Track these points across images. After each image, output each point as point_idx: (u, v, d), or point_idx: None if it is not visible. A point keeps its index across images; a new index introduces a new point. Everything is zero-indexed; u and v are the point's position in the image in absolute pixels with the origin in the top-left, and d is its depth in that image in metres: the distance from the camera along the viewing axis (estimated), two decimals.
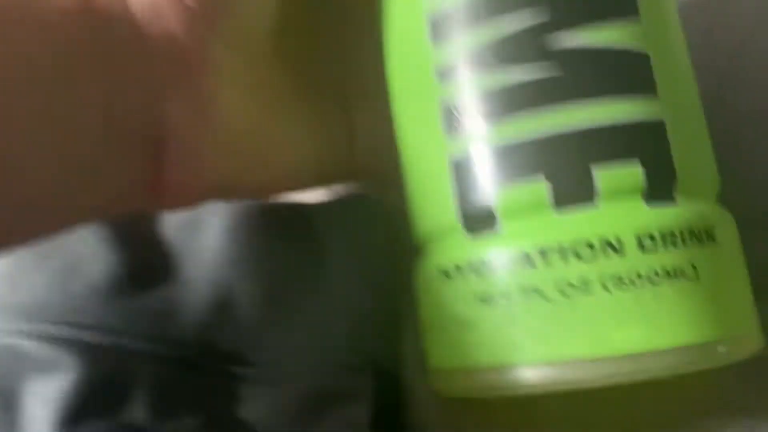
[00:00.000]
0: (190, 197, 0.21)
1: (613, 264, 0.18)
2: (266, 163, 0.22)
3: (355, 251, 0.25)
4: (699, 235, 0.19)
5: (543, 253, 0.18)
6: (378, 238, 0.25)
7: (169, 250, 0.23)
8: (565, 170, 0.19)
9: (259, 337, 0.23)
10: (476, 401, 0.23)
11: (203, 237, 0.23)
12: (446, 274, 0.20)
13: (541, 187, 0.19)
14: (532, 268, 0.18)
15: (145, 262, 0.23)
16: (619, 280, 0.18)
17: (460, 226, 0.20)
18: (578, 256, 0.18)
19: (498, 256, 0.19)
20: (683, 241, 0.18)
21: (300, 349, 0.23)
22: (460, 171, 0.20)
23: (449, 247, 0.21)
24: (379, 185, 0.26)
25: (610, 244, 0.18)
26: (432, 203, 0.21)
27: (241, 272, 0.23)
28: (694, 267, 0.18)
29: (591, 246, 0.18)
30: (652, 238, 0.18)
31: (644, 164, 0.19)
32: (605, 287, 0.18)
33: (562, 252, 0.18)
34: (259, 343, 0.23)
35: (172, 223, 0.24)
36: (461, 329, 0.20)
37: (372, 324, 0.24)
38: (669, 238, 0.18)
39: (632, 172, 0.19)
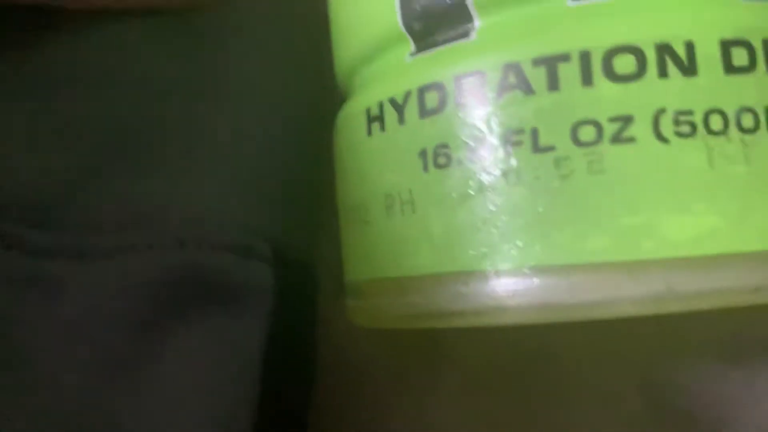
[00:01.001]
0: None
1: (676, 91, 0.10)
2: None
3: (258, 73, 0.15)
4: None
5: (549, 69, 0.10)
6: (296, 59, 0.16)
7: None
8: None
9: (89, 190, 0.14)
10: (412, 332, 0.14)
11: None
12: (374, 119, 0.12)
13: None
14: (526, 97, 0.10)
15: None
16: (687, 122, 0.10)
17: (405, 35, 0.11)
18: (612, 74, 0.10)
19: (466, 78, 0.10)
20: None
21: (160, 212, 0.14)
22: None
23: (384, 72, 0.12)
24: None
25: (674, 57, 0.10)
26: (355, 4, 0.12)
27: (76, 86, 0.14)
28: None
29: (638, 57, 0.10)
30: (747, 47, 0.10)
31: None
32: (658, 134, 0.10)
33: (585, 67, 0.10)
34: (89, 198, 0.14)
35: None
36: (398, 216, 0.11)
37: (282, 185, 0.15)
38: None
39: None
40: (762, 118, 0.10)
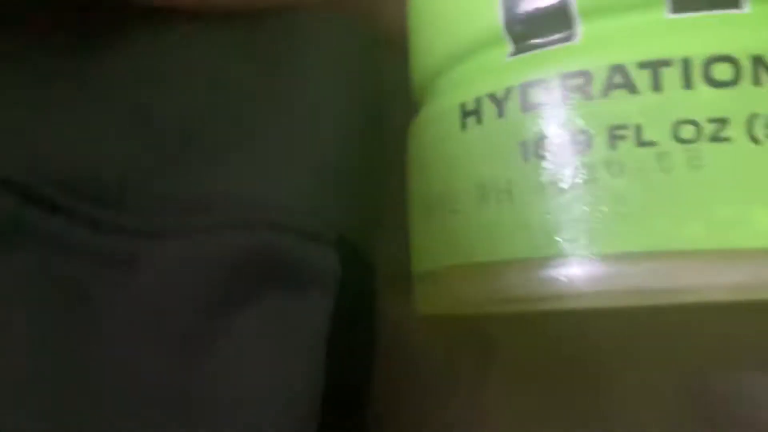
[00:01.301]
0: None
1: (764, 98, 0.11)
2: None
3: (333, 76, 0.16)
4: None
5: (653, 72, 0.11)
6: (363, 66, 0.17)
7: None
8: None
9: (163, 174, 0.15)
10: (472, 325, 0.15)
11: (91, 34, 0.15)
12: (470, 113, 0.12)
13: None
14: (630, 96, 0.11)
15: None
16: None
17: (505, 37, 0.12)
18: (711, 80, 0.11)
19: (572, 76, 0.11)
20: None
21: (232, 196, 0.15)
22: None
23: (480, 71, 0.13)
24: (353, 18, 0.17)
25: (765, 66, 0.11)
26: (450, 3, 0.13)
27: (152, 82, 0.15)
28: None
29: (735, 66, 0.11)
30: None
31: None
32: (752, 135, 0.11)
33: (686, 72, 0.11)
34: (164, 182, 0.15)
35: None
36: (492, 204, 0.12)
37: (345, 176, 0.15)
38: None
39: None
40: None
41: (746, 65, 0.11)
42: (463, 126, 0.12)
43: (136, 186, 0.14)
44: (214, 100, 0.16)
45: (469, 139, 0.12)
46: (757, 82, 0.11)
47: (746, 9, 0.11)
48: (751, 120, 0.11)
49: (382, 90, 0.17)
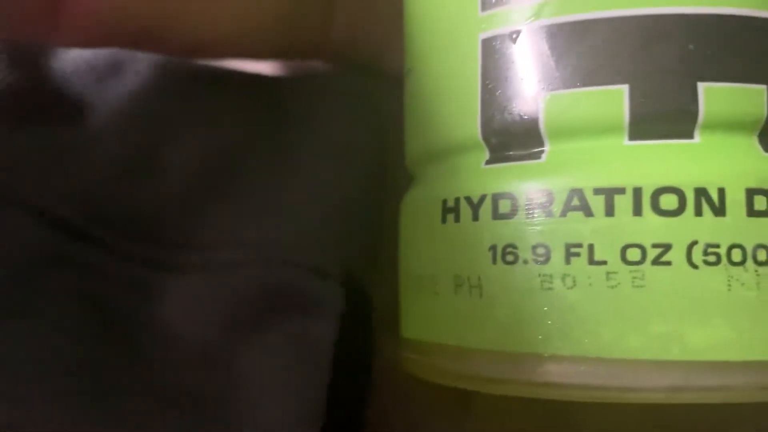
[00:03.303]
0: (94, 35, 0.14)
1: (707, 227, 0.12)
2: (209, 10, 0.16)
3: (334, 134, 0.18)
4: None
5: (607, 198, 0.12)
6: (363, 126, 0.18)
7: (69, 92, 0.17)
8: (656, 78, 0.12)
9: (189, 214, 0.17)
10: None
11: (120, 84, 0.17)
12: (450, 210, 0.14)
13: (614, 99, 0.12)
14: (586, 218, 0.12)
15: (35, 92, 0.16)
16: (714, 253, 0.12)
17: (482, 145, 0.14)
18: (658, 209, 0.12)
19: (536, 194, 0.13)
20: None
21: (250, 235, 0.17)
22: (495, 58, 0.13)
23: (460, 172, 0.14)
24: (357, 74, 0.19)
25: (708, 199, 0.12)
26: (442, 106, 0.14)
27: (171, 132, 0.17)
28: None
29: (680, 197, 0.12)
30: (764, 194, 0.12)
31: None
32: (690, 261, 0.12)
33: (636, 200, 0.12)
34: (190, 220, 0.17)
35: (76, 61, 0.17)
36: (465, 295, 0.13)
37: (348, 222, 0.17)
38: None
39: (752, 97, 0.12)
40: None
41: (690, 196, 0.12)
42: (444, 220, 0.14)
43: (163, 224, 0.16)
44: (232, 147, 0.17)
45: (448, 233, 0.14)
46: (698, 212, 0.12)
47: (697, 139, 0.12)
48: (690, 247, 0.12)
49: (386, 136, 0.18)
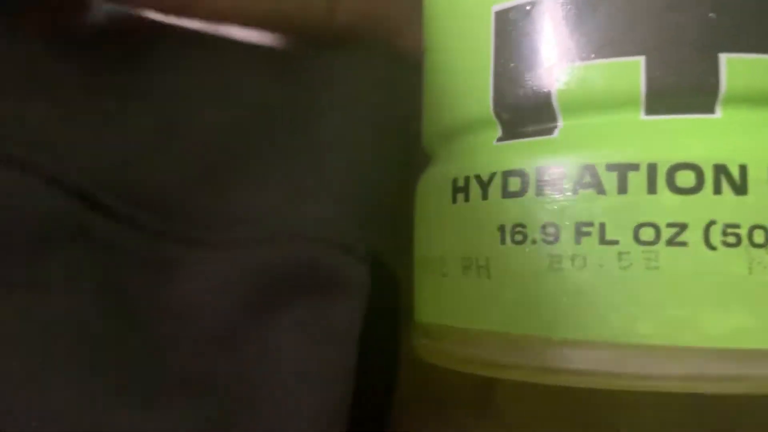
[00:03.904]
0: None
1: (727, 206, 0.11)
2: None
3: (360, 111, 0.18)
4: None
5: (620, 175, 0.12)
6: (389, 104, 0.18)
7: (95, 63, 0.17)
8: (674, 49, 0.12)
9: (212, 189, 0.16)
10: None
11: (145, 58, 0.17)
12: (460, 189, 0.13)
13: (630, 71, 0.12)
14: (597, 196, 0.12)
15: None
16: (734, 234, 0.11)
17: (494, 121, 0.13)
18: (674, 186, 0.11)
19: (547, 171, 0.12)
20: None
21: (274, 211, 0.16)
22: (508, 31, 0.13)
23: (472, 150, 0.14)
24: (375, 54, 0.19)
25: (728, 177, 0.11)
26: (455, 82, 0.14)
27: (191, 106, 0.17)
28: None
29: (698, 173, 0.11)
30: None
31: None
32: (708, 242, 0.11)
33: (651, 177, 0.12)
34: (213, 196, 0.16)
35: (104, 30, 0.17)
36: (473, 277, 0.13)
37: (374, 202, 0.17)
38: None
39: None
40: None
41: (709, 173, 0.11)
42: (454, 200, 0.14)
43: (184, 199, 0.16)
44: (254, 122, 0.17)
45: (457, 213, 0.13)
46: (717, 190, 0.11)
47: (718, 114, 0.12)
48: (708, 227, 0.11)
49: (408, 113, 0.18)
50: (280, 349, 0.15)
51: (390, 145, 0.18)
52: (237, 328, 0.15)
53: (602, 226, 0.12)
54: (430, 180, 0.15)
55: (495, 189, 0.13)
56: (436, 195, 0.14)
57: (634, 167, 0.12)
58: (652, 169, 0.12)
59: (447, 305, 0.14)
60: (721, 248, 0.11)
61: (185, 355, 0.15)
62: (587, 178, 0.12)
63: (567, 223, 0.12)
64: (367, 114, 0.17)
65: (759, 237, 0.11)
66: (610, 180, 0.12)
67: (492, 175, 0.13)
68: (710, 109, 0.12)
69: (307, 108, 0.18)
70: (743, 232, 0.11)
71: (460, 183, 0.13)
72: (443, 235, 0.14)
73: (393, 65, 0.18)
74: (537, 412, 0.17)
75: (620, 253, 0.12)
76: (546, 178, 0.12)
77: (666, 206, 0.11)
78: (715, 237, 0.11)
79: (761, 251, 0.11)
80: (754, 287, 0.11)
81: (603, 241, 0.12)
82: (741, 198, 0.11)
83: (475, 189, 0.13)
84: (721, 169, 0.11)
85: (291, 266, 0.15)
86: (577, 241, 0.12)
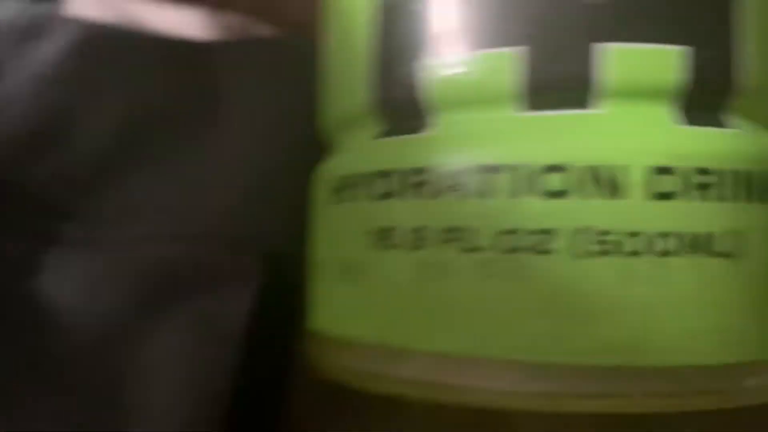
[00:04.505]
0: None
1: (598, 211, 0.10)
2: None
3: (264, 103, 0.17)
4: (761, 186, 0.11)
5: (486, 177, 0.11)
6: (297, 96, 0.17)
7: None
8: (547, 40, 0.11)
9: (96, 184, 0.16)
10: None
11: (38, 50, 0.16)
12: (339, 189, 0.13)
13: (503, 64, 0.11)
14: (463, 199, 0.11)
15: None
16: (605, 242, 0.10)
17: (373, 117, 0.12)
18: (539, 190, 0.10)
19: (415, 171, 0.11)
20: (733, 190, 0.11)
21: (161, 207, 0.16)
22: (384, 22, 0.12)
23: (353, 147, 0.13)
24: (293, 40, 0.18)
25: (601, 180, 0.10)
26: (338, 73, 0.13)
27: (87, 96, 0.16)
28: (740, 236, 0.10)
29: (566, 176, 0.10)
30: (672, 174, 0.10)
31: (697, 52, 0.11)
32: (575, 250, 0.10)
33: (516, 180, 0.11)
34: (95, 191, 0.16)
35: None
36: (348, 282, 0.12)
37: (274, 196, 0.16)
38: (706, 181, 0.10)
39: (663, 60, 0.11)
40: (671, 244, 0.10)
41: (577, 176, 0.10)
42: (333, 199, 0.13)
43: (62, 194, 0.16)
44: (151, 115, 0.17)
45: (336, 215, 0.13)
46: (587, 194, 0.10)
47: (596, 110, 0.11)
48: (576, 234, 0.10)
49: (313, 106, 0.17)
50: (155, 352, 0.15)
51: (294, 137, 0.17)
52: (111, 333, 0.15)
53: (466, 231, 0.11)
54: (318, 177, 0.14)
55: (368, 190, 0.12)
56: (321, 193, 0.13)
57: (501, 169, 0.11)
58: (518, 171, 0.11)
59: (327, 312, 0.13)
60: (591, 257, 0.10)
61: (53, 358, 0.15)
62: (454, 180, 0.11)
63: (432, 227, 0.11)
64: (274, 109, 0.17)
65: (633, 245, 0.10)
66: (474, 183, 0.11)
67: (366, 175, 0.12)
68: (584, 104, 0.11)
69: (211, 101, 0.17)
70: (616, 239, 0.10)
71: (339, 182, 0.13)
72: (325, 236, 0.13)
73: (298, 57, 0.17)
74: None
75: (483, 262, 0.11)
76: (414, 179, 0.11)
77: (529, 212, 0.10)
78: (583, 245, 0.10)
79: (635, 261, 0.10)
80: (626, 300, 0.10)
81: (466, 248, 0.11)
82: (615, 202, 0.10)
83: (352, 189, 0.12)
84: (593, 171, 0.10)
85: (173, 265, 0.15)
86: (441, 248, 0.11)
